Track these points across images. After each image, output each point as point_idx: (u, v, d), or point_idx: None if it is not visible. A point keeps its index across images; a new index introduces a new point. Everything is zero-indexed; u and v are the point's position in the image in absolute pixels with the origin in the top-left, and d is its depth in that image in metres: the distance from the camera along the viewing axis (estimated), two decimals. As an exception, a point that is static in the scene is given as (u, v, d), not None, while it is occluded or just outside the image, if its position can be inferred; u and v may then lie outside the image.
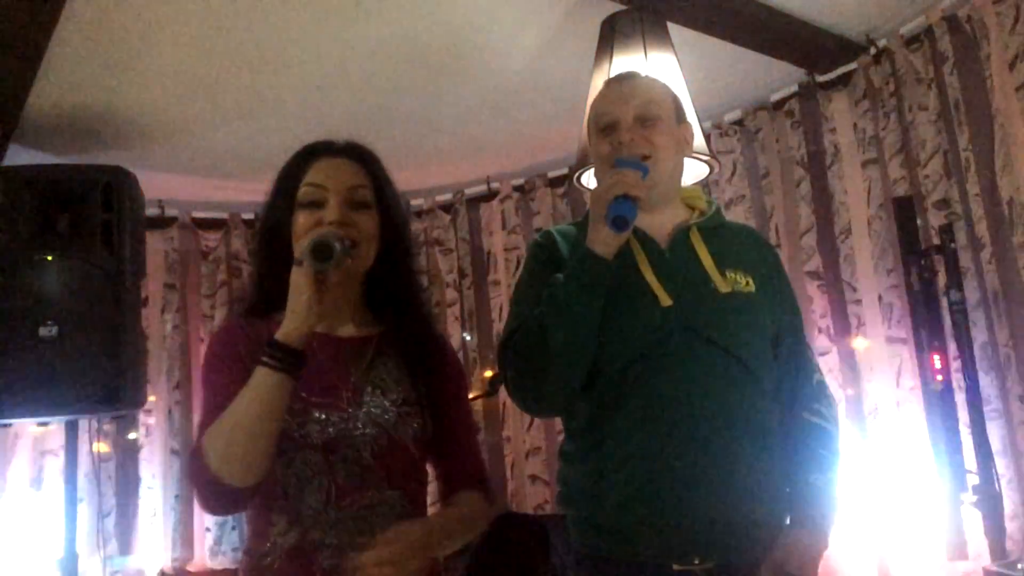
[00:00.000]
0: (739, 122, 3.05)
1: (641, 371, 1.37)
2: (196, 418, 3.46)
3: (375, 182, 1.34)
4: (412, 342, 1.35)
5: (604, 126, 1.49)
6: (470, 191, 3.76)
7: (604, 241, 1.33)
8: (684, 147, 1.55)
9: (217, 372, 1.30)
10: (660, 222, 1.49)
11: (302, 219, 1.29)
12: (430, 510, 1.42)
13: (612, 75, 1.61)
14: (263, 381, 1.16)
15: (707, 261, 1.45)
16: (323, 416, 1.26)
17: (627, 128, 1.45)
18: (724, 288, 1.42)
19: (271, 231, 1.33)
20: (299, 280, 1.17)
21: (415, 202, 3.73)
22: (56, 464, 3.05)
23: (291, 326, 1.16)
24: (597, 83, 2.20)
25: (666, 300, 1.40)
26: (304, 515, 1.25)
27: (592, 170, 2.11)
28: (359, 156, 1.36)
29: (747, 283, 1.45)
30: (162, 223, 3.55)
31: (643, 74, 1.60)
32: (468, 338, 3.69)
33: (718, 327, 1.40)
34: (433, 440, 1.35)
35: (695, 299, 1.41)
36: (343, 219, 1.27)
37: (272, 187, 1.36)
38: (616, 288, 1.36)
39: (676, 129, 1.51)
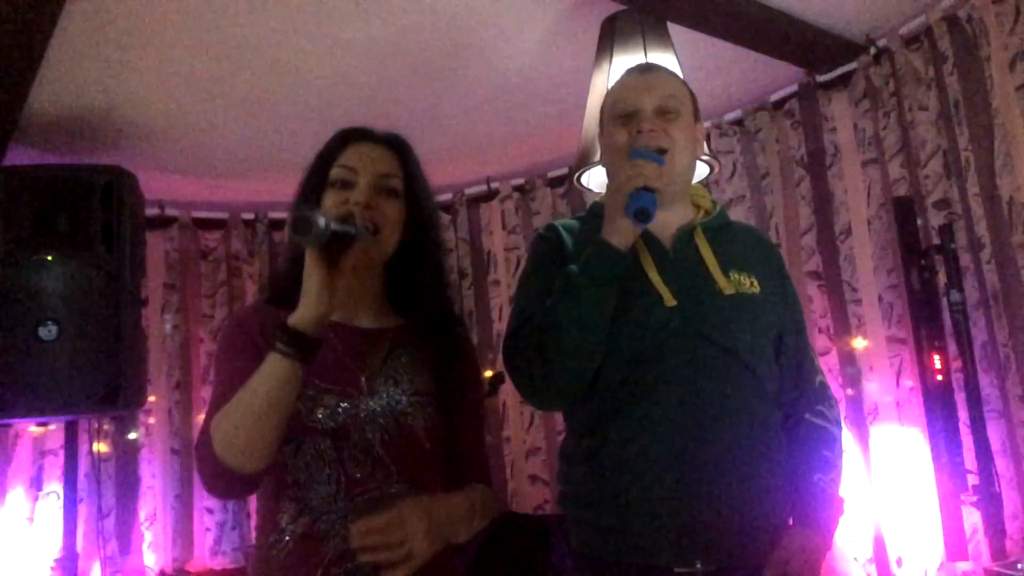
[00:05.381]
0: (739, 122, 3.05)
1: (644, 372, 1.36)
2: (197, 415, 3.50)
3: (407, 173, 1.36)
4: (432, 336, 1.34)
5: (622, 114, 1.46)
6: (470, 191, 3.76)
7: (622, 233, 1.32)
8: (698, 146, 1.53)
9: (229, 357, 1.28)
10: (665, 221, 1.46)
11: (330, 199, 1.29)
12: None
13: (631, 66, 1.56)
14: (273, 367, 1.13)
15: (711, 262, 1.44)
16: (334, 402, 1.25)
17: (647, 119, 1.42)
18: (728, 289, 1.41)
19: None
20: (309, 262, 1.14)
21: (415, 202, 3.74)
22: (56, 464, 3.05)
23: (303, 311, 1.14)
24: (597, 83, 2.19)
25: (670, 300, 1.38)
26: (313, 505, 1.24)
27: (592, 170, 2.11)
28: (395, 145, 1.38)
29: (751, 284, 1.44)
30: (162, 223, 3.55)
31: (664, 67, 1.57)
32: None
33: (721, 329, 1.38)
34: (446, 434, 1.35)
35: (698, 300, 1.40)
36: (369, 202, 1.28)
37: (307, 168, 1.36)
38: (620, 288, 1.35)
39: (693, 127, 1.49)
